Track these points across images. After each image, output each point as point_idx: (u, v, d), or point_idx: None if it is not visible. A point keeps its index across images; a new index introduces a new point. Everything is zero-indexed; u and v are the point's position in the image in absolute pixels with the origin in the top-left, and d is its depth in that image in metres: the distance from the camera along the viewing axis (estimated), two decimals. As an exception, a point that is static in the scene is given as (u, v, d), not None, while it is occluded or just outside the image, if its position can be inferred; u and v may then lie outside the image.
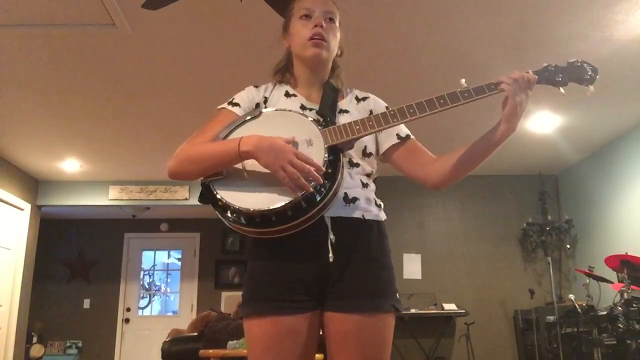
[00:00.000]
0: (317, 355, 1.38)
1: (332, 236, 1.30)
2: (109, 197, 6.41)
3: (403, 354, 5.85)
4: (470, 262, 6.17)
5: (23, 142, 5.26)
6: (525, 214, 6.17)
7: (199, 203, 1.35)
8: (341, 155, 1.32)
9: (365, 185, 1.40)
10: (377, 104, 1.53)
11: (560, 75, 1.36)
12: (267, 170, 1.26)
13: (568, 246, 5.97)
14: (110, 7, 3.07)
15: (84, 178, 6.32)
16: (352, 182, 1.37)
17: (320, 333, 1.36)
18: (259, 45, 3.33)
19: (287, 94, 1.49)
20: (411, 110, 1.31)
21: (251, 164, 1.29)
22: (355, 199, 1.36)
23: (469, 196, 6.34)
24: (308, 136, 1.29)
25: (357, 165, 1.41)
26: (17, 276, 5.86)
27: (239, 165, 1.30)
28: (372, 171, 1.46)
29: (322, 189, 1.26)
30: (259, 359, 1.30)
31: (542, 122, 4.82)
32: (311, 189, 1.23)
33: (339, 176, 1.29)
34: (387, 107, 1.52)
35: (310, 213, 1.25)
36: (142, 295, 8.17)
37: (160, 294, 8.40)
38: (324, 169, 1.26)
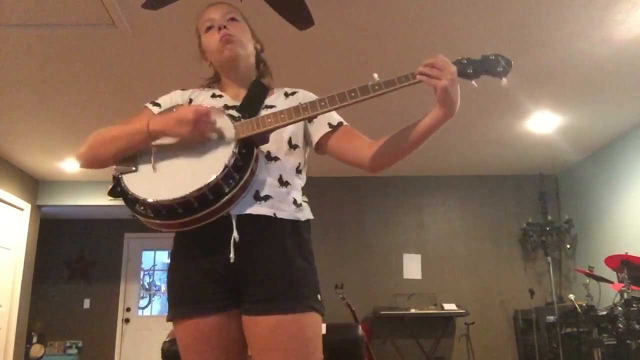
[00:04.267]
0: None
1: (235, 234, 1.26)
2: (109, 197, 6.40)
3: (403, 354, 5.85)
4: (470, 262, 6.17)
5: (23, 142, 5.26)
6: (525, 214, 6.17)
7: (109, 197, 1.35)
8: (254, 148, 1.30)
9: (283, 184, 1.36)
10: (307, 97, 1.50)
11: (471, 67, 1.35)
12: (176, 161, 1.27)
13: (568, 246, 5.98)
14: (110, 7, 3.07)
15: (84, 178, 6.32)
16: (267, 179, 1.34)
17: None
18: (259, 45, 3.33)
19: (214, 95, 1.51)
20: (322, 103, 1.31)
21: (161, 155, 1.29)
22: (267, 197, 1.32)
23: (469, 196, 6.34)
24: (220, 129, 1.29)
25: (277, 159, 1.37)
26: (17, 276, 5.87)
27: (148, 158, 1.30)
28: (299, 164, 1.43)
29: (231, 181, 1.24)
30: None
31: (542, 122, 4.82)
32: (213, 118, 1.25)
33: (250, 169, 1.27)
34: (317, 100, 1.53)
35: (216, 205, 1.22)
36: (142, 295, 8.16)
37: (160, 294, 8.40)
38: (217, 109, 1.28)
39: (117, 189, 1.31)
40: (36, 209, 6.33)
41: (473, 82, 1.35)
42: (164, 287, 8.41)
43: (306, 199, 1.43)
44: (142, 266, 8.25)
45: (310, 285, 1.33)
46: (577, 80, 4.08)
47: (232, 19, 1.49)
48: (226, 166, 1.23)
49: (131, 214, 1.30)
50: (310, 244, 1.38)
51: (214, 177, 1.21)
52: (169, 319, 1.34)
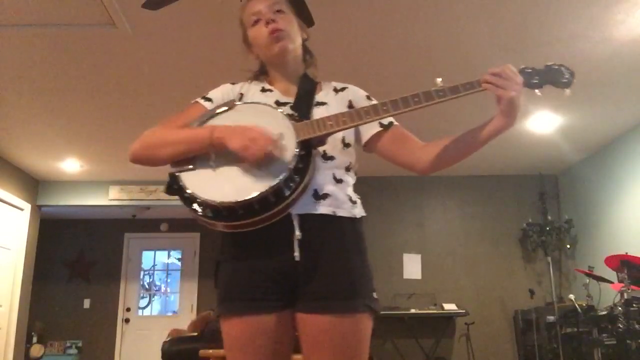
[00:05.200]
0: (295, 357, 1.36)
1: (298, 233, 1.27)
2: (109, 197, 6.41)
3: (403, 354, 5.85)
4: (470, 262, 6.17)
5: (23, 142, 5.26)
6: (525, 214, 6.17)
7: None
8: (312, 150, 1.30)
9: (338, 181, 1.36)
10: (356, 94, 1.50)
11: (537, 77, 1.35)
12: (236, 164, 1.26)
13: (568, 246, 5.97)
14: (110, 7, 3.07)
15: (84, 178, 6.32)
16: (324, 177, 1.34)
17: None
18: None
19: (263, 90, 1.48)
20: (385, 108, 1.30)
21: (220, 157, 1.28)
22: (325, 195, 1.32)
23: (469, 196, 6.34)
24: (280, 130, 1.28)
25: (332, 158, 1.37)
26: (17, 276, 5.87)
27: (208, 159, 1.29)
28: (350, 163, 1.43)
29: (292, 184, 1.24)
30: (235, 359, 1.30)
31: (542, 122, 4.82)
32: (272, 152, 1.22)
33: (310, 171, 1.27)
34: (367, 96, 1.50)
35: (277, 208, 1.23)
36: (142, 295, 8.17)
37: (160, 294, 8.40)
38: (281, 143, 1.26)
39: (174, 187, 1.29)
40: (36, 209, 6.33)
41: (537, 92, 1.35)
42: (163, 287, 8.42)
43: (359, 196, 1.43)
44: (142, 266, 8.25)
45: (368, 283, 1.34)
46: (577, 80, 4.05)
47: (279, 11, 1.46)
48: (288, 169, 1.23)
49: (190, 213, 1.28)
50: (365, 240, 1.39)
51: (276, 181, 1.21)
52: (218, 314, 1.33)
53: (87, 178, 6.33)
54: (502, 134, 1.33)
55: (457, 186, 6.29)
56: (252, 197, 1.21)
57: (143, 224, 7.91)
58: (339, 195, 1.35)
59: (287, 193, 1.23)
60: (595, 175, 5.66)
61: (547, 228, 6.00)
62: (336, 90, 1.51)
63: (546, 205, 6.19)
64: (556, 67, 1.37)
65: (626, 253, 4.18)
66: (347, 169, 1.42)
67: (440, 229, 6.34)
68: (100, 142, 5.30)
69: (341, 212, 1.34)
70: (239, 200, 1.21)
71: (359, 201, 1.42)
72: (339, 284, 1.28)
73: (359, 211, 1.40)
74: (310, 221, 1.29)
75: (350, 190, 1.41)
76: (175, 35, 3.44)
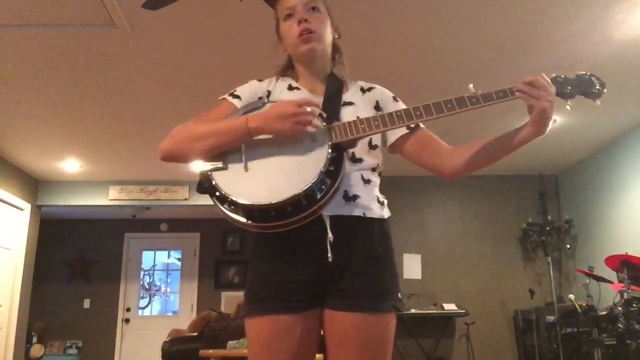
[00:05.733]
0: (317, 355, 1.37)
1: (330, 235, 1.28)
2: (109, 197, 6.41)
3: (403, 354, 5.85)
4: (470, 262, 6.17)
5: (23, 142, 5.26)
6: (525, 214, 6.17)
7: (197, 194, 1.32)
8: (344, 153, 1.30)
9: (366, 182, 1.37)
10: (383, 94, 1.50)
11: (569, 87, 1.34)
12: (267, 163, 1.26)
13: (568, 246, 5.97)
14: (110, 7, 3.07)
15: (84, 178, 6.32)
16: (353, 179, 1.35)
17: (321, 333, 1.36)
18: (259, 45, 3.32)
19: (290, 87, 1.48)
20: (417, 113, 1.30)
21: (252, 156, 1.28)
22: (355, 197, 1.33)
23: (469, 196, 6.34)
24: (312, 131, 1.28)
25: (361, 160, 1.37)
26: (17, 276, 5.86)
27: (238, 158, 1.28)
28: (377, 164, 1.43)
29: (323, 187, 1.24)
30: (258, 358, 1.30)
31: (542, 122, 4.82)
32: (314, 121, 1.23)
33: (341, 174, 1.27)
34: (393, 97, 1.50)
35: (309, 210, 1.23)
36: (142, 295, 8.17)
37: (160, 294, 8.40)
38: (319, 110, 1.27)
39: (205, 186, 1.28)
40: (36, 209, 6.33)
41: (568, 103, 1.34)
42: (163, 287, 8.42)
43: (385, 197, 1.44)
44: (142, 266, 8.25)
45: (395, 284, 1.37)
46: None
47: (314, 8, 1.45)
48: (321, 172, 1.23)
49: (220, 212, 1.28)
50: (392, 240, 1.40)
51: (309, 184, 1.22)
52: (246, 314, 1.33)
53: (87, 178, 6.32)
54: (529, 142, 1.33)
55: (457, 186, 6.29)
56: (285, 200, 1.20)
57: (143, 224, 7.91)
58: (367, 196, 1.36)
59: (319, 196, 1.23)
60: (595, 175, 5.66)
61: (547, 228, 6.00)
62: (363, 90, 1.50)
63: (546, 205, 6.19)
64: (587, 76, 1.36)
65: (626, 253, 4.18)
66: (374, 170, 1.42)
67: (440, 229, 6.34)
68: (100, 142, 5.30)
69: (371, 214, 1.35)
70: (271, 202, 1.21)
71: (385, 202, 1.43)
72: (369, 284, 1.30)
73: (386, 212, 1.41)
74: (341, 222, 1.30)
75: (377, 191, 1.42)
76: (175, 35, 3.44)
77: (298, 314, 1.29)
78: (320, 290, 1.31)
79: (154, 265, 8.38)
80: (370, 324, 1.28)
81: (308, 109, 1.24)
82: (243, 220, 1.25)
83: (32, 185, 6.28)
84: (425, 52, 3.72)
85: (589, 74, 1.37)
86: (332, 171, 1.26)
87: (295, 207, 1.22)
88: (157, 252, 8.36)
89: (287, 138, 1.27)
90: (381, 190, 1.44)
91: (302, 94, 1.45)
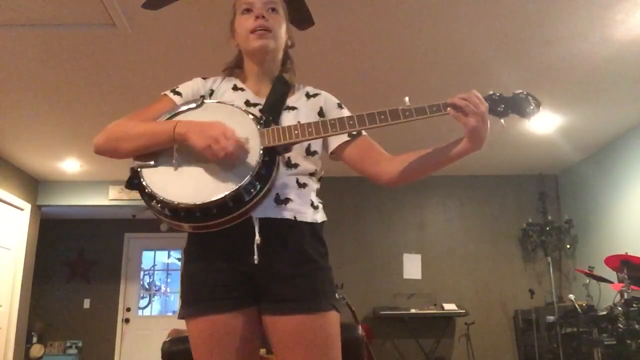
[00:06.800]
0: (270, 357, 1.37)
1: (257, 237, 1.28)
2: (109, 197, 6.41)
3: (403, 354, 5.85)
4: (470, 262, 6.17)
5: (23, 142, 5.26)
6: (525, 214, 6.17)
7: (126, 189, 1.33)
8: (277, 157, 1.30)
9: (301, 186, 1.37)
10: (328, 101, 1.50)
11: (502, 106, 1.34)
12: (198, 162, 1.26)
13: (568, 246, 5.97)
14: (110, 7, 3.07)
15: (84, 178, 6.32)
16: (287, 182, 1.35)
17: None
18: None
19: (235, 88, 1.48)
20: (351, 122, 1.31)
21: (183, 154, 1.28)
22: (287, 200, 1.34)
23: (469, 196, 6.34)
24: (246, 134, 1.27)
25: (296, 166, 1.38)
26: (17, 276, 5.87)
27: (170, 155, 1.28)
28: (315, 170, 1.43)
29: (252, 190, 1.24)
30: (202, 359, 1.31)
31: (542, 122, 4.82)
32: (233, 153, 1.21)
33: (272, 178, 1.27)
34: (338, 104, 1.50)
35: (236, 213, 1.23)
36: (142, 295, 8.17)
37: (160, 294, 8.40)
38: (247, 148, 1.25)
39: (134, 182, 1.29)
40: (36, 209, 6.33)
41: (502, 121, 1.34)
42: (164, 287, 8.41)
43: (321, 201, 1.44)
44: (142, 266, 8.25)
45: (331, 285, 1.37)
46: (577, 80, 4.08)
47: (273, 9, 1.45)
48: (250, 176, 1.23)
49: (145, 208, 1.29)
50: (326, 244, 1.41)
51: (236, 186, 1.21)
52: (182, 317, 1.34)
53: (87, 178, 6.33)
54: (497, 136, 1.33)
55: (457, 186, 6.29)
56: (211, 201, 1.21)
57: (143, 224, 7.89)
58: (300, 200, 1.36)
59: (247, 198, 1.23)
60: (595, 175, 5.66)
61: (547, 228, 6.00)
62: (308, 96, 1.50)
63: (546, 205, 6.19)
64: (523, 95, 1.36)
65: (626, 253, 4.17)
66: (312, 175, 1.42)
67: (440, 229, 6.33)
68: (100, 142, 5.29)
69: (302, 217, 1.35)
70: (197, 202, 1.21)
71: (321, 206, 1.43)
72: (303, 285, 1.31)
73: (320, 216, 1.41)
74: (270, 225, 1.30)
75: (313, 195, 1.41)
76: (175, 35, 3.44)
77: (234, 313, 1.29)
78: (253, 291, 1.31)
79: (154, 265, 8.38)
80: (311, 324, 1.28)
81: (230, 147, 1.21)
82: (170, 219, 1.26)
83: (32, 185, 6.28)
84: (425, 53, 3.71)
85: (525, 93, 1.37)
86: (263, 175, 1.26)
87: (222, 208, 1.22)
88: (157, 252, 8.36)
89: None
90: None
91: (246, 96, 1.45)
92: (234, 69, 1.54)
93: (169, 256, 8.42)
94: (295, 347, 1.28)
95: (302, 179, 1.38)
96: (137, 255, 8.18)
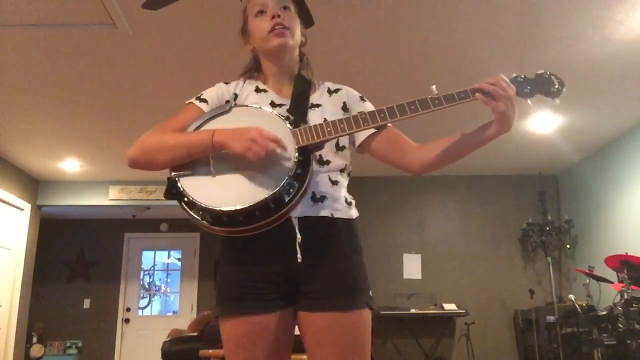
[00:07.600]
0: (298, 356, 1.37)
1: (299, 236, 1.30)
2: (109, 197, 6.41)
3: (403, 354, 5.85)
4: (470, 262, 6.17)
5: (23, 142, 5.26)
6: (525, 214, 6.17)
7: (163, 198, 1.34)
8: (311, 156, 1.31)
9: (334, 183, 1.39)
10: (350, 95, 1.51)
11: (528, 87, 1.37)
12: (235, 169, 1.27)
13: (568, 246, 5.97)
14: (110, 7, 3.07)
15: (84, 178, 6.32)
16: (320, 180, 1.37)
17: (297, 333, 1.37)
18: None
19: (258, 90, 1.48)
20: (382, 115, 1.32)
21: (219, 162, 1.28)
22: (323, 198, 1.35)
23: (469, 196, 6.34)
24: (279, 135, 1.28)
25: (328, 162, 1.39)
26: (17, 276, 5.87)
27: (207, 164, 1.29)
28: (345, 165, 1.44)
29: (291, 190, 1.25)
30: (234, 357, 1.32)
31: (542, 122, 4.82)
32: (275, 150, 1.23)
33: (309, 177, 1.28)
34: (360, 97, 1.51)
35: (278, 214, 1.24)
36: (142, 295, 8.17)
37: (160, 294, 8.40)
38: (287, 148, 1.26)
39: (173, 192, 1.29)
40: (36, 209, 6.33)
41: (528, 101, 1.37)
42: (163, 287, 8.42)
43: (352, 197, 1.45)
44: (142, 266, 8.25)
45: (365, 282, 1.37)
46: (577, 80, 4.08)
47: (285, 8, 1.46)
48: (289, 176, 1.24)
49: (189, 218, 1.28)
50: (360, 240, 1.42)
51: (276, 188, 1.23)
52: (218, 314, 1.35)
53: (87, 178, 6.33)
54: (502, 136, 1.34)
55: (457, 186, 6.29)
56: (253, 204, 1.21)
57: (143, 224, 7.91)
58: (335, 197, 1.38)
59: (287, 199, 1.25)
60: (595, 175, 5.66)
61: (547, 228, 6.00)
62: (330, 92, 1.51)
63: (546, 205, 6.19)
64: (547, 75, 1.40)
65: (626, 253, 4.18)
66: (342, 171, 1.43)
67: (440, 229, 6.34)
68: (100, 142, 5.30)
69: (338, 214, 1.36)
70: (239, 207, 1.22)
71: (353, 202, 1.44)
72: (339, 283, 1.32)
73: (354, 212, 1.43)
74: (309, 224, 1.32)
75: (345, 192, 1.43)
76: (175, 35, 3.44)
77: (270, 314, 1.30)
78: (292, 290, 1.32)
79: (154, 265, 8.39)
80: (344, 322, 1.29)
81: (270, 145, 1.23)
82: (212, 225, 1.26)
83: (32, 185, 6.28)
84: (424, 53, 3.71)
85: (548, 73, 1.40)
86: (300, 174, 1.27)
87: (264, 211, 1.23)
88: (157, 252, 8.36)
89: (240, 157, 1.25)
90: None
91: (270, 97, 1.45)
92: (252, 71, 1.55)
93: (169, 256, 8.42)
94: (326, 343, 1.29)
95: (334, 176, 1.40)
96: (137, 255, 8.19)
